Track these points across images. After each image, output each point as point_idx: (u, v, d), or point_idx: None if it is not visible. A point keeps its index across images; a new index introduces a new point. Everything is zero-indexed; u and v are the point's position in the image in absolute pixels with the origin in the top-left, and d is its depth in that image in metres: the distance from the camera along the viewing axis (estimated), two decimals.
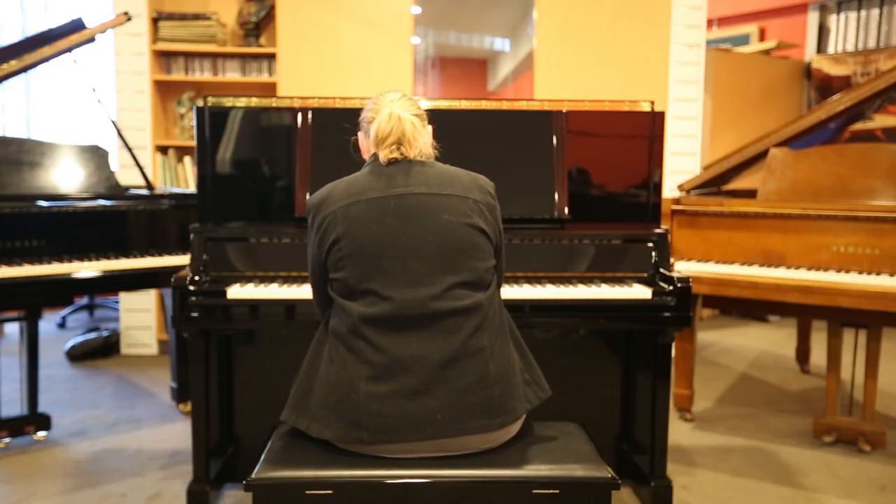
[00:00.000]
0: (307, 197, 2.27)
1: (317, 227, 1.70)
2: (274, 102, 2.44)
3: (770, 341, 4.69)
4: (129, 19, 3.20)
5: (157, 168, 4.16)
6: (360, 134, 1.86)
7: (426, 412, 1.58)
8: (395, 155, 1.71)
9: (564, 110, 2.41)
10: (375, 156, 1.74)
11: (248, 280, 2.23)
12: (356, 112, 1.87)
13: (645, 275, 2.32)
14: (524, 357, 1.77)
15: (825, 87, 5.56)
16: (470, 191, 1.70)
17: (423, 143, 1.75)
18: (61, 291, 2.72)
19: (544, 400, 1.76)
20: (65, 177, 2.90)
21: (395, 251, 1.62)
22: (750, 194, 3.23)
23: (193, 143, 3.18)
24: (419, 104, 1.80)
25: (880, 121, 4.97)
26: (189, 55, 4.21)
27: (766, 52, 5.71)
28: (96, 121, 5.21)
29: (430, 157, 1.77)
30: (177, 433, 3.03)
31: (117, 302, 4.59)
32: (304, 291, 2.11)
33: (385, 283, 1.61)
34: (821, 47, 5.74)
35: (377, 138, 1.71)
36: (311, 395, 1.68)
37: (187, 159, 4.23)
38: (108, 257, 2.82)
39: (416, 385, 1.58)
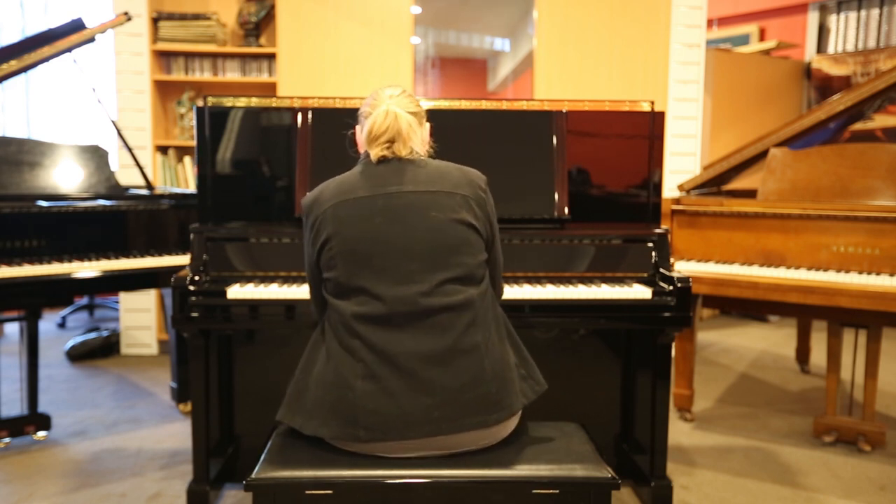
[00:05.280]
0: None
1: (310, 226, 1.70)
2: (274, 102, 2.44)
3: (770, 341, 4.68)
4: (129, 19, 3.20)
5: (157, 168, 4.16)
6: (357, 128, 1.86)
7: (422, 410, 1.58)
8: (386, 153, 1.70)
9: (564, 110, 2.41)
10: (367, 153, 1.73)
11: (247, 280, 2.23)
12: (356, 112, 1.87)
13: (645, 275, 2.33)
14: (519, 352, 1.76)
15: (825, 87, 5.56)
16: (459, 186, 1.69)
17: (417, 142, 1.74)
18: (61, 291, 2.72)
19: (540, 394, 1.75)
20: (65, 177, 2.90)
21: (385, 249, 1.62)
22: (750, 194, 3.23)
23: (193, 143, 3.18)
24: (419, 101, 1.79)
25: (880, 121, 4.97)
26: (189, 55, 4.21)
27: (766, 52, 5.71)
28: (96, 121, 5.21)
29: (424, 156, 1.76)
30: (177, 433, 3.03)
31: (117, 302, 4.59)
32: (303, 291, 2.11)
33: (375, 280, 1.61)
34: (821, 47, 5.74)
35: (370, 136, 1.71)
36: (306, 393, 1.68)
37: (187, 159, 4.23)
38: (108, 257, 2.82)
39: (412, 383, 1.58)
